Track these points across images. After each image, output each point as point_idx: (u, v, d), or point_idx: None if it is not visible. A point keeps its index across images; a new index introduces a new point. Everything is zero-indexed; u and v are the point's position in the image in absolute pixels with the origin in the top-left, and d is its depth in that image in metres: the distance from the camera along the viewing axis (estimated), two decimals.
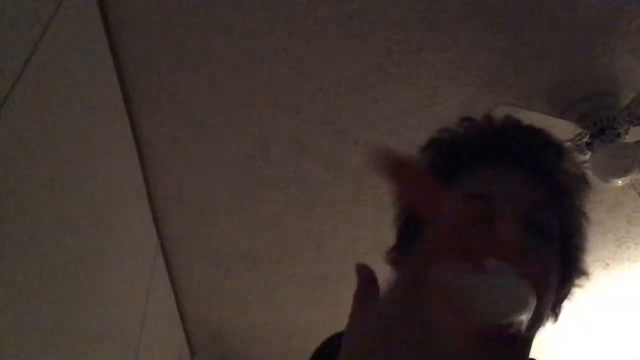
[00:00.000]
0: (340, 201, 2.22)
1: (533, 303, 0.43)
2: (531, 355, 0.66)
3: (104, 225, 1.60)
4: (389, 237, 0.70)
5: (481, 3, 1.60)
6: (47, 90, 1.24)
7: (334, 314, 2.53)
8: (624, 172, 1.85)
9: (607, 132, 1.86)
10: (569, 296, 0.69)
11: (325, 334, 0.62)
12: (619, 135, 1.88)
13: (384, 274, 0.50)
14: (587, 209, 0.70)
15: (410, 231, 0.69)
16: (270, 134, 1.96)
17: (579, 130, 1.88)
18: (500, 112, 1.65)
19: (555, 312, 0.67)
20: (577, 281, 0.69)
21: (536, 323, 0.61)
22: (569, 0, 1.59)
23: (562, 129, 1.82)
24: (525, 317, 0.58)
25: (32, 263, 1.14)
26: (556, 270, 0.63)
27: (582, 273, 0.70)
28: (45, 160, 1.23)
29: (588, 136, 1.89)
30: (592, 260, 2.47)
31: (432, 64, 1.75)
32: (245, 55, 1.72)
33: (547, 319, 0.65)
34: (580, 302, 2.63)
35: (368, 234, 2.34)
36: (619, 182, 1.90)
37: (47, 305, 1.20)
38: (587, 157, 1.92)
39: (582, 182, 0.70)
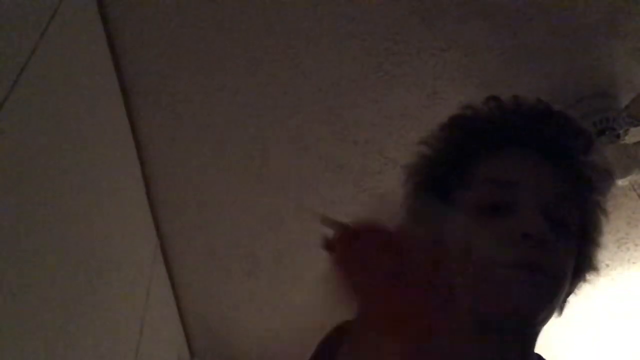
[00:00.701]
0: (340, 201, 2.22)
1: None
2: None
3: (104, 225, 1.60)
4: None
5: (481, 3, 1.60)
6: (46, 90, 1.24)
7: (334, 314, 2.53)
8: (623, 173, 1.85)
9: (607, 133, 1.86)
10: (576, 291, 0.68)
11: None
12: (618, 136, 1.88)
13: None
14: (608, 205, 0.67)
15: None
16: (270, 134, 1.96)
17: None
18: None
19: (561, 306, 0.65)
20: (588, 277, 0.68)
21: (548, 317, 0.60)
22: (568, 1, 1.59)
23: None
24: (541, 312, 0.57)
25: (32, 263, 1.14)
26: (571, 264, 0.62)
27: (593, 269, 0.68)
28: (45, 161, 1.23)
29: None
30: None
31: (432, 64, 1.75)
32: (245, 55, 1.72)
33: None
34: (579, 303, 2.63)
35: None
36: (619, 183, 1.90)
37: (46, 305, 1.20)
38: None
39: (608, 177, 0.67)
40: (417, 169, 0.68)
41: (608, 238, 2.41)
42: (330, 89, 1.81)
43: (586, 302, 2.66)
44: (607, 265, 2.54)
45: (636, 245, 2.46)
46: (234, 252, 2.46)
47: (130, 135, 1.90)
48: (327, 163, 2.07)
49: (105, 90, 1.68)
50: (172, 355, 2.54)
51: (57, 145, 1.29)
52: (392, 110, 1.88)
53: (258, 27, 1.64)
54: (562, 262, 0.59)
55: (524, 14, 1.62)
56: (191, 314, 2.78)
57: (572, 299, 0.69)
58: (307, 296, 2.70)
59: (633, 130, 1.88)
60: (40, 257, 1.18)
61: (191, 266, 2.53)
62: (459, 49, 1.70)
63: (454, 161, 0.65)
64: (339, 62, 1.74)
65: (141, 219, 2.11)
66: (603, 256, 2.49)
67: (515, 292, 0.55)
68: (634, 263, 2.56)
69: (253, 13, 1.61)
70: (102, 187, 1.60)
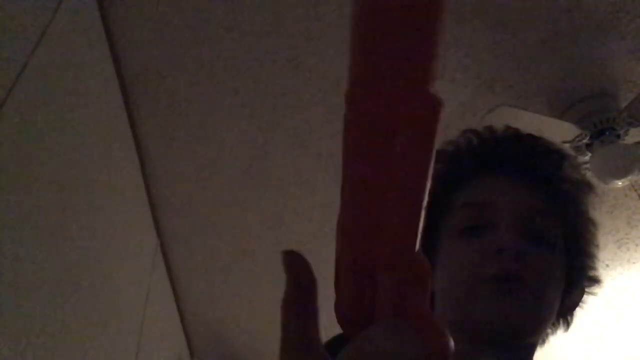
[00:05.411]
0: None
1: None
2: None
3: (104, 225, 1.60)
4: None
5: (481, 3, 1.60)
6: (47, 90, 1.24)
7: (334, 315, 2.53)
8: (623, 173, 1.85)
9: (607, 133, 1.86)
10: (580, 304, 0.69)
11: (325, 334, 0.62)
12: (618, 136, 1.88)
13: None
14: (593, 214, 0.69)
15: None
16: (270, 134, 1.96)
17: (578, 132, 1.88)
18: (499, 113, 1.65)
19: (566, 320, 0.67)
20: (587, 288, 0.69)
21: (539, 328, 0.61)
22: (569, 1, 1.59)
23: (562, 130, 1.82)
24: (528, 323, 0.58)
25: (32, 263, 1.14)
26: (558, 276, 0.63)
27: (593, 280, 0.69)
28: (45, 160, 1.23)
29: (588, 137, 1.89)
30: None
31: None
32: (245, 55, 1.72)
33: (554, 325, 0.65)
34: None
35: None
36: (619, 183, 1.90)
37: (46, 306, 1.20)
38: (587, 158, 1.92)
39: (585, 188, 0.70)
40: None
41: (608, 238, 2.41)
42: (330, 89, 1.81)
43: (586, 302, 2.66)
44: (607, 265, 2.54)
45: (636, 245, 2.46)
46: (234, 252, 2.46)
47: (130, 135, 1.90)
48: (327, 163, 2.07)
49: (105, 90, 1.68)
50: (172, 355, 2.54)
51: (57, 145, 1.29)
52: None
53: (258, 27, 1.64)
54: (543, 273, 0.61)
55: (525, 14, 1.62)
56: (191, 314, 2.78)
57: (583, 307, 0.70)
58: None
59: (633, 130, 1.88)
60: (41, 257, 1.18)
61: (191, 266, 2.53)
62: (459, 49, 1.70)
63: (439, 192, 0.68)
64: (339, 62, 1.74)
65: (141, 219, 2.11)
66: (603, 256, 2.50)
67: (497, 305, 0.58)
68: (634, 263, 2.56)
69: (253, 13, 1.61)
70: (102, 187, 1.60)
